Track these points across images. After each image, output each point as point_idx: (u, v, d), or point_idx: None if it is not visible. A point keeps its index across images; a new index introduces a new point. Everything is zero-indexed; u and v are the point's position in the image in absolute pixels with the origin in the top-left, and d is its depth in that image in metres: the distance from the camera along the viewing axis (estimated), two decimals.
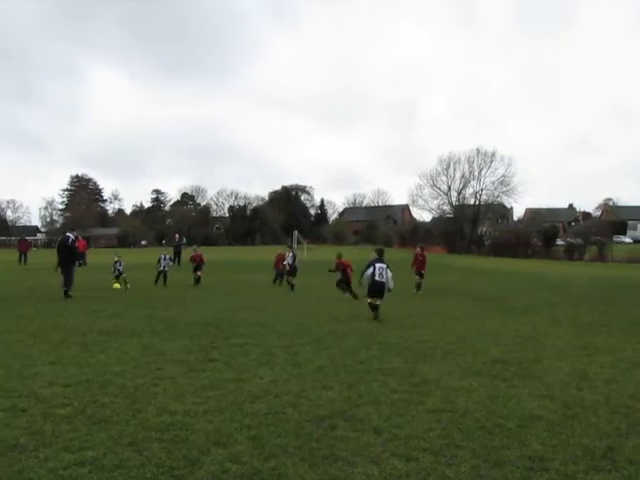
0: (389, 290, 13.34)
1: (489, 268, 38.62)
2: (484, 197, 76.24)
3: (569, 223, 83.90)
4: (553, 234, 64.91)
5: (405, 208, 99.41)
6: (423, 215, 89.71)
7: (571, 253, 58.09)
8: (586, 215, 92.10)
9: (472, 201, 76.91)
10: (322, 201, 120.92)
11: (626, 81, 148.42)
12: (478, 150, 75.32)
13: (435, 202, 79.25)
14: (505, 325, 12.51)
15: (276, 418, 5.64)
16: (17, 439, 4.97)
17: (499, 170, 74.36)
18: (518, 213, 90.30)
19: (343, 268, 18.61)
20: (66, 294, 16.46)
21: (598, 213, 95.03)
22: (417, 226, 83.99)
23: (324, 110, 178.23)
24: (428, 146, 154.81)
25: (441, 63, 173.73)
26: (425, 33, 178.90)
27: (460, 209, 76.46)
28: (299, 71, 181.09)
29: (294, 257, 21.67)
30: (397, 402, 6.26)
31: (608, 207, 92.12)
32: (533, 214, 77.58)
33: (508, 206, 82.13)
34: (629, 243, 71.72)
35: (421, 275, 20.93)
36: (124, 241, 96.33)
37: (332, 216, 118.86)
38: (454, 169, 76.82)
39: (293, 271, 21.37)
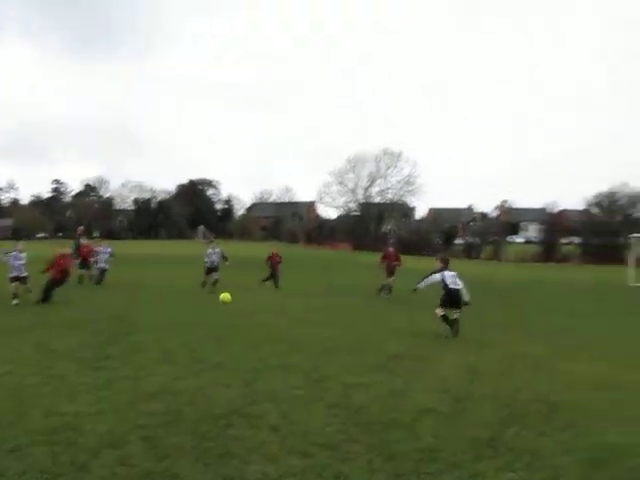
0: (466, 303, 11.36)
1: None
2: (389, 196, 78.67)
3: (467, 223, 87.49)
4: (453, 234, 67.76)
5: (311, 205, 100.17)
6: (330, 212, 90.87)
7: (469, 252, 60.77)
8: (484, 216, 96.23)
9: (378, 199, 79.03)
10: (229, 196, 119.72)
11: (528, 86, 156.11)
12: (385, 150, 77.53)
13: (342, 199, 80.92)
14: (407, 321, 12.87)
15: (172, 417, 5.50)
16: None
17: (405, 170, 77.14)
18: (422, 212, 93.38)
19: (61, 267, 15.01)
20: None
21: (495, 214, 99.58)
22: (323, 223, 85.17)
23: (235, 103, 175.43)
24: (338, 144, 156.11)
25: (353, 60, 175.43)
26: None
27: (366, 207, 78.29)
28: (212, 60, 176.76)
29: (221, 253, 19.93)
30: (296, 398, 6.28)
31: (504, 209, 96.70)
32: (435, 214, 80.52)
33: (412, 205, 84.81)
34: (521, 243, 75.86)
35: (391, 274, 19.57)
36: (19, 233, 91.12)
37: (239, 211, 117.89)
38: (362, 168, 78.63)
39: (215, 268, 19.58)
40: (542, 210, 78.18)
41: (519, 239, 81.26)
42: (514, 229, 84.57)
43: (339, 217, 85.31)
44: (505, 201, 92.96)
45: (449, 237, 67.30)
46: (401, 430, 5.34)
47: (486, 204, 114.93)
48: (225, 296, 14.62)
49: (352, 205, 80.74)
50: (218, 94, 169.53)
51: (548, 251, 61.38)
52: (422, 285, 11.59)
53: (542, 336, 11.61)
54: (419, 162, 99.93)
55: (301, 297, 18.51)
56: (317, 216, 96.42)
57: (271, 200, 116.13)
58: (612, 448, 5.01)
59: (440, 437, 5.19)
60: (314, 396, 6.41)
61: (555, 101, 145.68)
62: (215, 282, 19.01)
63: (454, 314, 11.18)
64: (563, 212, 75.58)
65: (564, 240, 65.13)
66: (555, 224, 67.49)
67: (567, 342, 10.91)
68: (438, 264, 11.79)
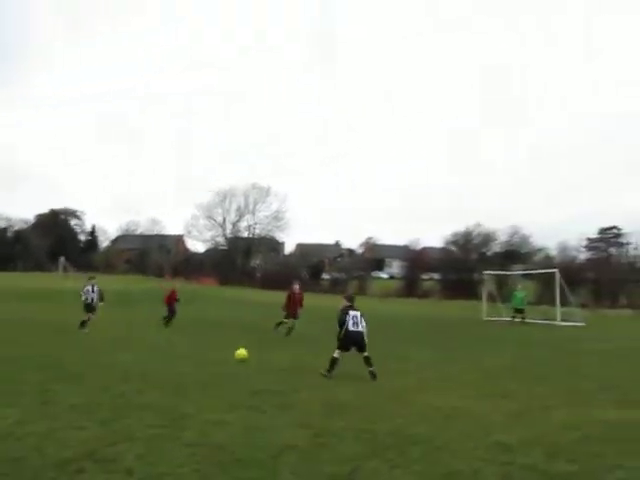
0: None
1: (258, 300, 39.56)
2: (257, 231, 79.07)
3: (334, 259, 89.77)
4: (320, 269, 69.31)
5: (180, 238, 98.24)
6: (197, 246, 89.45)
7: (335, 286, 62.28)
8: (350, 252, 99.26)
9: (246, 234, 79.19)
10: (93, 227, 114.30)
11: (384, 123, 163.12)
12: (254, 185, 78.01)
13: (210, 233, 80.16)
14: (267, 356, 12.87)
15: (14, 466, 5.04)
16: None
17: (273, 205, 77.86)
18: (290, 247, 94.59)
19: None
20: None
21: (361, 250, 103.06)
22: (190, 257, 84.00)
23: (103, 130, 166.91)
24: (207, 177, 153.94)
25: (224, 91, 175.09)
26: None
27: (234, 241, 78.12)
28: (84, 81, 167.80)
29: (100, 292, 17.80)
30: (153, 438, 6.05)
31: (369, 245, 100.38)
32: (303, 249, 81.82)
33: (280, 240, 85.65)
34: (386, 278, 79.08)
35: (295, 316, 18.51)
36: None
37: (104, 243, 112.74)
38: (230, 202, 78.51)
39: (95, 307, 17.52)
40: (405, 247, 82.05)
41: (383, 275, 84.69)
42: (379, 265, 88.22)
43: (207, 251, 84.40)
44: (370, 238, 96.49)
45: (316, 272, 68.77)
46: (259, 468, 5.31)
47: (352, 240, 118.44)
48: (241, 353, 12.63)
49: (220, 239, 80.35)
50: (87, 118, 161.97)
51: (410, 286, 64.39)
52: (343, 331, 11.11)
53: (402, 369, 12.10)
54: (289, 196, 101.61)
55: (164, 332, 17.99)
56: (185, 250, 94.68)
57: (138, 232, 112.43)
58: (460, 475, 5.31)
59: (298, 474, 5.21)
60: (172, 435, 6.21)
61: (411, 144, 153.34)
62: (85, 322, 17.01)
63: (362, 354, 11.02)
64: (424, 249, 79.66)
65: (425, 276, 68.72)
66: (417, 261, 70.95)
67: (425, 375, 11.44)
68: (344, 302, 11.66)
